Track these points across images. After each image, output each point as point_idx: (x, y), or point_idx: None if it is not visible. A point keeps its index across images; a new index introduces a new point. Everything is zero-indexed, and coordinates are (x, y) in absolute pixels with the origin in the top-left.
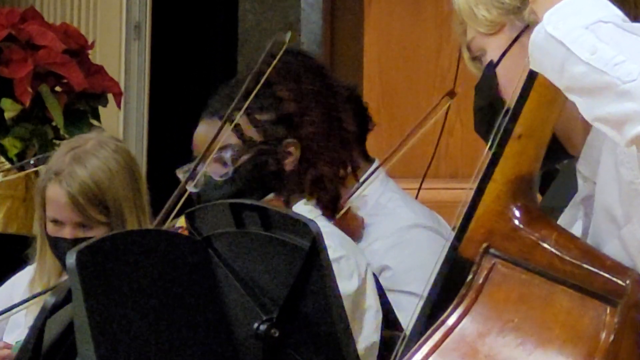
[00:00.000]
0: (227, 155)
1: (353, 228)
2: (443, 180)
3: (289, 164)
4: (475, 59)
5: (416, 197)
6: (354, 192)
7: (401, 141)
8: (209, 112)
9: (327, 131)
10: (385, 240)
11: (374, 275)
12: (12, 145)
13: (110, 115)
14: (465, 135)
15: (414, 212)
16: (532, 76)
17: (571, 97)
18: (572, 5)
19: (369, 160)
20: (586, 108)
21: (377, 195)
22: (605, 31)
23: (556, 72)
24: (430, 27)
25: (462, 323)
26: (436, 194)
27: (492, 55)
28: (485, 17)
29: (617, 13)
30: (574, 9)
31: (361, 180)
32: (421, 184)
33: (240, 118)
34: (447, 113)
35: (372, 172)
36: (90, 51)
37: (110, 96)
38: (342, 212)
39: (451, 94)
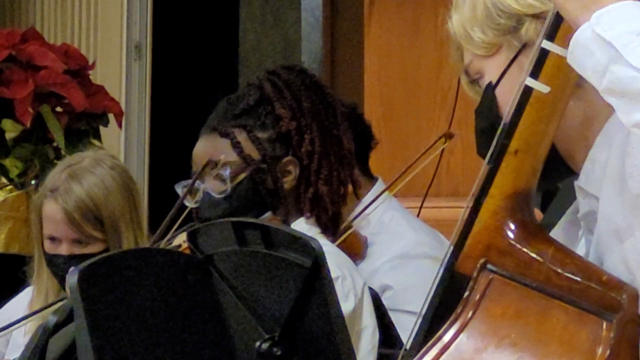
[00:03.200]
0: (226, 172)
1: (356, 247)
2: (444, 199)
3: (288, 182)
4: (474, 82)
5: (417, 216)
6: (360, 214)
7: (396, 178)
8: (208, 128)
9: (326, 149)
10: (388, 263)
11: (377, 293)
12: (13, 165)
13: (111, 135)
14: (466, 154)
15: (416, 232)
16: (527, 91)
17: (609, 99)
18: (620, 11)
19: (372, 178)
20: (626, 112)
21: (379, 213)
22: None
23: (598, 73)
24: (430, 45)
25: (459, 339)
26: (437, 213)
27: (490, 77)
28: (482, 39)
29: None
30: (622, 15)
31: (365, 201)
32: (422, 203)
33: (240, 135)
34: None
35: (377, 198)
36: (90, 71)
37: (111, 116)
38: (347, 233)
39: (448, 135)
